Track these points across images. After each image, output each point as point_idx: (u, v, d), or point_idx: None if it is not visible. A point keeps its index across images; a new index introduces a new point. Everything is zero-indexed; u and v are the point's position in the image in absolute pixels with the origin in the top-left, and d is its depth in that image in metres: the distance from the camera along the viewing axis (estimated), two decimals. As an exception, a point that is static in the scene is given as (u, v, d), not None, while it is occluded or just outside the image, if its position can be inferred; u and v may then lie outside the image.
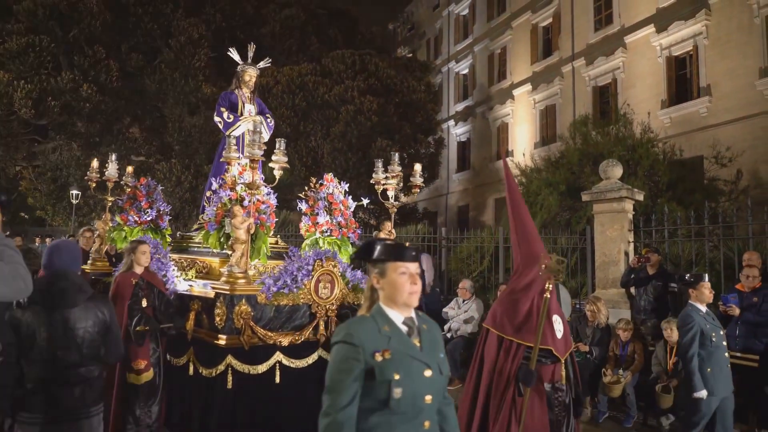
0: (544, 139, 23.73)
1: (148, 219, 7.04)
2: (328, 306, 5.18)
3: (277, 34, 26.67)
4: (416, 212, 24.31)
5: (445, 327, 8.50)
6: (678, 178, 11.66)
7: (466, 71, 30.31)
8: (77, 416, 3.05)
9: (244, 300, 4.72)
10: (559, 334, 3.76)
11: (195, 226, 7.33)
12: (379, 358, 2.11)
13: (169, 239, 7.13)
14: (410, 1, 36.03)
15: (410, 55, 33.46)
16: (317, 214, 5.93)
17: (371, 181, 6.24)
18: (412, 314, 2.29)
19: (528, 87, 24.92)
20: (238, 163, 5.54)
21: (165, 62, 24.48)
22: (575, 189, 10.71)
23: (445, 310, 8.81)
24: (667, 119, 17.92)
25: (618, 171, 8.69)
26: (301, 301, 5.06)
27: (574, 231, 10.20)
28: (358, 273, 5.55)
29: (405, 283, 2.22)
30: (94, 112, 22.94)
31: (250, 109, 7.20)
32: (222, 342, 4.62)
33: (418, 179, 6.27)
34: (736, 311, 5.89)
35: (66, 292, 3.09)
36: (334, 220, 5.99)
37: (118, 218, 7.05)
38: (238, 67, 7.37)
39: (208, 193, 7.01)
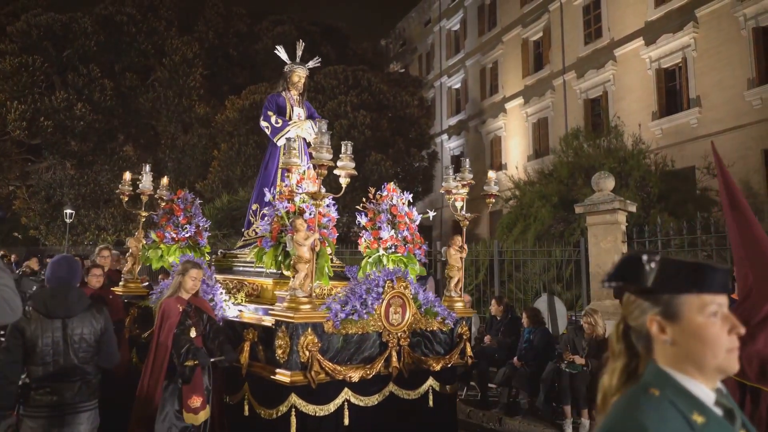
0: (537, 151, 23.86)
1: (187, 236, 6.41)
2: (399, 333, 4.57)
3: (270, 51, 26.87)
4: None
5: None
6: (670, 188, 11.75)
7: (458, 86, 30.51)
8: (75, 409, 3.39)
9: (310, 329, 4.10)
10: None
11: (239, 243, 6.70)
12: None
13: (208, 257, 6.47)
14: (402, 17, 36.34)
15: (402, 70, 33.73)
16: (380, 228, 5.34)
17: (441, 191, 5.69)
18: (719, 383, 1.33)
19: (520, 100, 25.10)
20: (297, 171, 4.92)
21: (159, 81, 24.57)
22: (568, 201, 10.77)
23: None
24: (658, 130, 18.07)
25: (610, 183, 8.74)
26: (371, 328, 4.45)
27: (568, 243, 10.23)
28: (430, 294, 5.01)
29: (720, 334, 1.27)
30: (87, 130, 22.98)
31: (299, 112, 6.57)
32: (285, 379, 4.01)
33: (492, 188, 5.66)
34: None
35: (66, 303, 3.41)
36: (399, 235, 5.39)
37: (153, 235, 6.44)
38: (286, 67, 6.67)
39: (254, 206, 6.45)
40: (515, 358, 7.24)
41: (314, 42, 28.55)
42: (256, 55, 27.47)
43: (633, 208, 8.82)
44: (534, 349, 7.18)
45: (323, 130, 4.34)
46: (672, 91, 18.46)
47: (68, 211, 22.64)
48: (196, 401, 4.15)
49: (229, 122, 21.86)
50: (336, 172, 4.42)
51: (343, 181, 4.42)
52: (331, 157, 4.28)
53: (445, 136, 30.72)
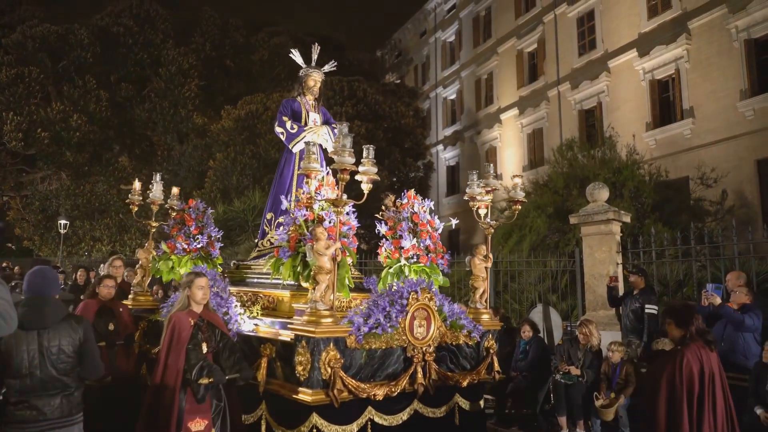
0: (532, 162, 23.95)
1: (198, 246, 6.20)
2: (424, 348, 4.36)
3: (266, 62, 26.94)
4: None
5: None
6: (664, 199, 11.80)
7: (453, 96, 30.66)
8: (58, 424, 3.28)
9: (332, 344, 3.89)
10: None
11: (253, 254, 6.50)
12: None
13: (220, 269, 6.22)
14: (397, 28, 36.55)
15: (398, 81, 33.87)
16: (400, 237, 5.13)
17: (465, 197, 5.43)
18: None
19: (515, 111, 25.23)
20: (316, 177, 4.70)
21: (155, 92, 24.59)
22: (563, 211, 10.80)
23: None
24: (652, 141, 18.17)
25: (605, 193, 8.77)
26: (395, 343, 4.23)
27: (563, 253, 10.24)
28: (456, 307, 4.79)
29: None
30: (83, 141, 22.96)
31: (315, 118, 6.35)
32: (307, 398, 3.80)
33: (519, 194, 5.38)
34: (717, 300, 5.87)
35: (40, 314, 3.32)
36: (422, 244, 5.19)
37: (164, 246, 6.21)
38: (301, 71, 6.50)
39: (269, 215, 6.27)
40: (511, 369, 7.22)
41: (310, 53, 28.70)
42: (252, 66, 27.54)
43: (627, 219, 8.84)
44: (530, 360, 7.17)
45: (345, 133, 4.10)
46: (665, 102, 18.58)
47: (63, 221, 22.57)
48: (199, 424, 3.84)
49: (224, 132, 21.87)
50: (358, 177, 4.24)
51: (365, 187, 4.23)
52: (354, 161, 4.05)
53: (440, 147, 30.82)
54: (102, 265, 7.39)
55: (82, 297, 9.15)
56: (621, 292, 8.02)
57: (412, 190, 5.59)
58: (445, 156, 30.50)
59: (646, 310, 7.10)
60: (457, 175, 29.65)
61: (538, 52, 24.47)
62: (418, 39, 34.38)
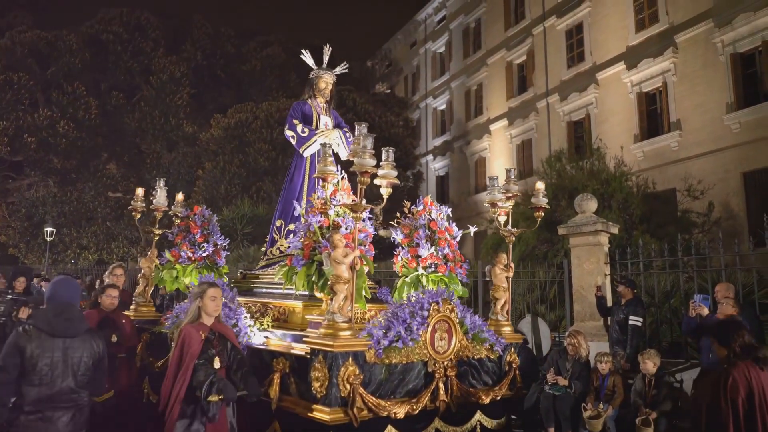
0: (521, 172, 24.03)
1: (204, 255, 6.00)
2: (446, 362, 4.12)
3: (257, 72, 26.93)
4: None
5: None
6: (652, 211, 11.88)
7: (443, 107, 30.80)
8: None
9: (350, 359, 3.67)
10: None
11: (261, 263, 6.26)
12: None
13: (226, 278, 5.94)
14: (388, 38, 36.71)
15: (388, 91, 33.98)
16: (417, 245, 4.92)
17: (485, 203, 5.23)
18: None
19: (504, 122, 25.38)
20: (331, 181, 4.48)
21: (145, 100, 24.51)
22: (552, 222, 10.83)
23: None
24: (640, 153, 18.33)
25: (593, 205, 8.80)
26: (416, 357, 4.01)
27: (551, 264, 10.26)
28: (478, 318, 4.55)
29: None
30: (70, 148, 22.81)
31: (326, 121, 6.18)
32: (325, 417, 3.55)
33: (541, 200, 5.16)
34: (705, 310, 5.90)
35: (70, 323, 3.32)
36: (440, 252, 4.99)
37: (168, 254, 5.99)
38: (312, 72, 6.33)
39: (278, 222, 6.08)
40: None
41: (301, 62, 28.73)
42: (243, 75, 27.54)
43: (615, 230, 8.87)
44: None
45: (365, 133, 3.86)
46: (653, 114, 18.78)
47: (49, 229, 22.34)
48: None
49: (213, 141, 21.81)
50: (377, 181, 4.02)
51: (385, 192, 4.04)
52: (375, 163, 3.82)
53: (430, 157, 30.92)
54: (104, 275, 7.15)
55: None
56: (609, 302, 8.05)
57: (429, 196, 5.44)
58: (435, 166, 30.59)
59: (630, 322, 7.11)
60: (447, 185, 29.73)
61: (527, 63, 24.66)
62: (409, 49, 34.55)
